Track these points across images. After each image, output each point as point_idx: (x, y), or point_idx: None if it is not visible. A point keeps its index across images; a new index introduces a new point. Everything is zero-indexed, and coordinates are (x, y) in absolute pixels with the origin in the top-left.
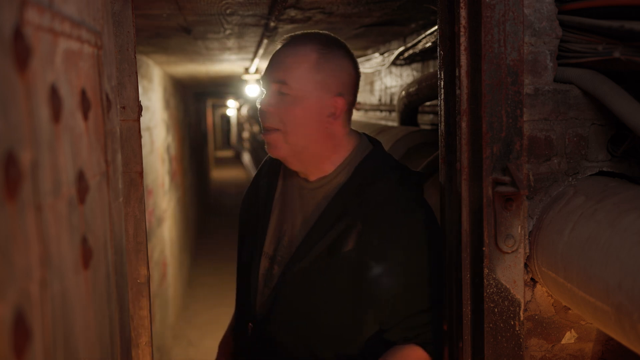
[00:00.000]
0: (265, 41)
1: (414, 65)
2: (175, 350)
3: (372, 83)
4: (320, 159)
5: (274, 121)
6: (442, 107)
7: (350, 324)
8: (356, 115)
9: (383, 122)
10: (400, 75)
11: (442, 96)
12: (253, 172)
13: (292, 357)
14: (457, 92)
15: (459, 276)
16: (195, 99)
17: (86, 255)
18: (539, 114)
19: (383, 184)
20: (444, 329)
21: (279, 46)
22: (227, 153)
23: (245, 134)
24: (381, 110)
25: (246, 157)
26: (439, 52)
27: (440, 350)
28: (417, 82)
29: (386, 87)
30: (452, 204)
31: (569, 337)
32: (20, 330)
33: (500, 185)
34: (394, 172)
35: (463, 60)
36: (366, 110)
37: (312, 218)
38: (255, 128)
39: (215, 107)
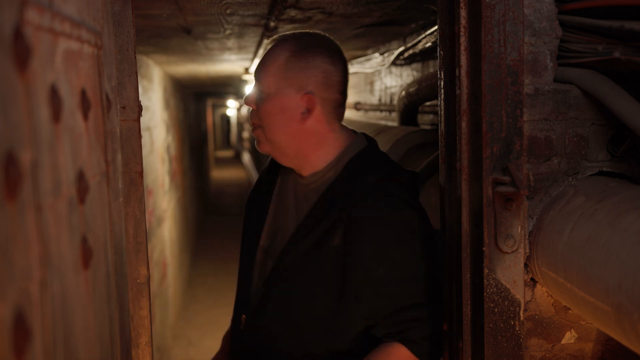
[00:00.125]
0: (265, 41)
1: (414, 65)
2: (175, 350)
3: (372, 83)
4: (305, 155)
5: (255, 118)
6: (442, 107)
7: (339, 318)
8: (356, 115)
9: (383, 122)
10: (400, 75)
11: (442, 96)
12: (253, 172)
13: (283, 350)
14: (457, 92)
15: (459, 276)
16: (195, 99)
17: (86, 255)
18: (539, 114)
19: (369, 178)
20: (444, 329)
21: None
22: (227, 153)
23: (245, 134)
24: (381, 110)
25: (246, 157)
26: (439, 52)
27: (432, 350)
28: (417, 82)
29: (386, 87)
30: (452, 204)
31: (569, 337)
32: (20, 330)
33: (500, 185)
34: (382, 168)
35: (463, 60)
36: (366, 110)
37: (303, 213)
38: None
39: (215, 107)
